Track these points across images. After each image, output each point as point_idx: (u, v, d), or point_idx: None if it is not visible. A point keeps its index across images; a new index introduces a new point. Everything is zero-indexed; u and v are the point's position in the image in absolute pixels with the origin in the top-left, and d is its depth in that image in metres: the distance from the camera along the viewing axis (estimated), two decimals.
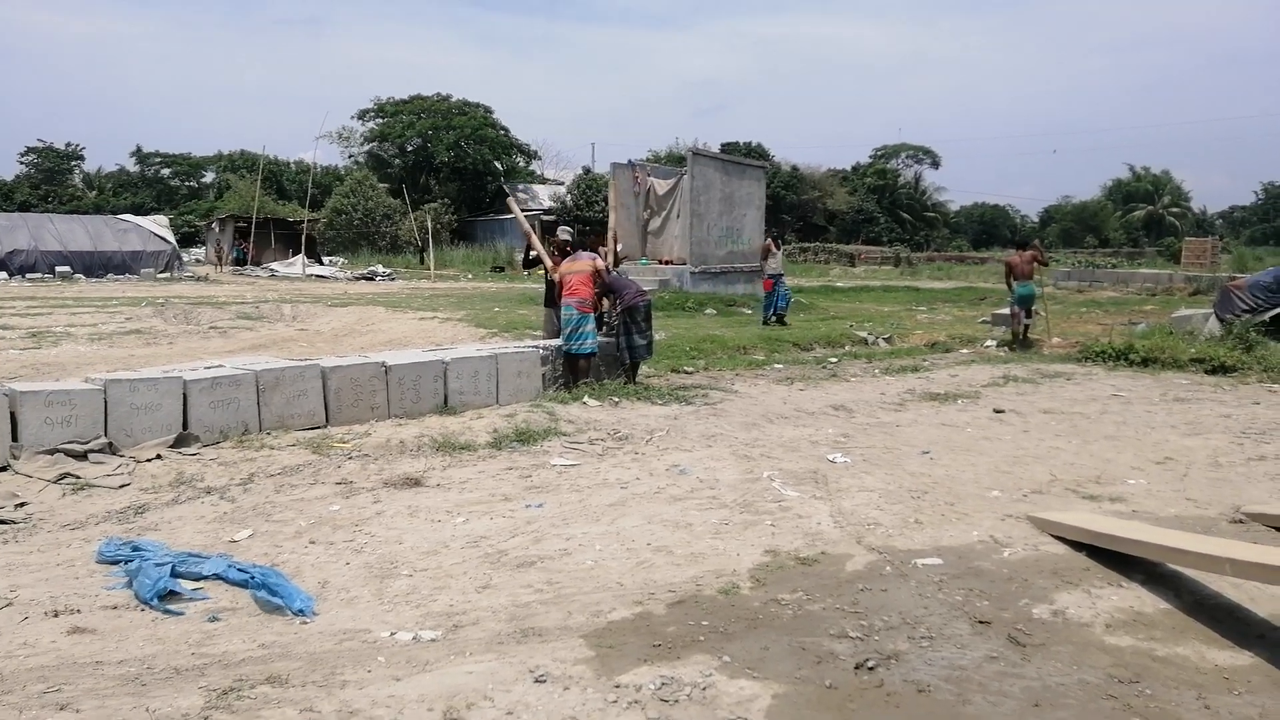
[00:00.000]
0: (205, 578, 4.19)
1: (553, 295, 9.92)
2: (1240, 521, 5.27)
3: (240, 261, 38.67)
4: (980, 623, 3.86)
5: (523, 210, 57.11)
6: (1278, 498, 5.81)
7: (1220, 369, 10.80)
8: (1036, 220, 79.88)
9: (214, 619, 3.82)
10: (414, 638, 3.65)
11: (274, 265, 36.99)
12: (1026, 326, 14.65)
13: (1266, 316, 12.16)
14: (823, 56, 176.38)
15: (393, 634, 3.68)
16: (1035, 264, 14.49)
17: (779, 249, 17.41)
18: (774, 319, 16.39)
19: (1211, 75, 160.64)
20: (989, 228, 78.83)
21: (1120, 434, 7.69)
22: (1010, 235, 74.87)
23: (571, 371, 9.18)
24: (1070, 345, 13.38)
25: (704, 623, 3.80)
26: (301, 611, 3.85)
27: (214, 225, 46.02)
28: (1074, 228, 68.44)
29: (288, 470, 6.09)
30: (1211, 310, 13.69)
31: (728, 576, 4.31)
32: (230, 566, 4.24)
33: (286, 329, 15.85)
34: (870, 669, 3.42)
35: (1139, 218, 69.82)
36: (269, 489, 5.73)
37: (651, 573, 4.37)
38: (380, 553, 4.64)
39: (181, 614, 3.85)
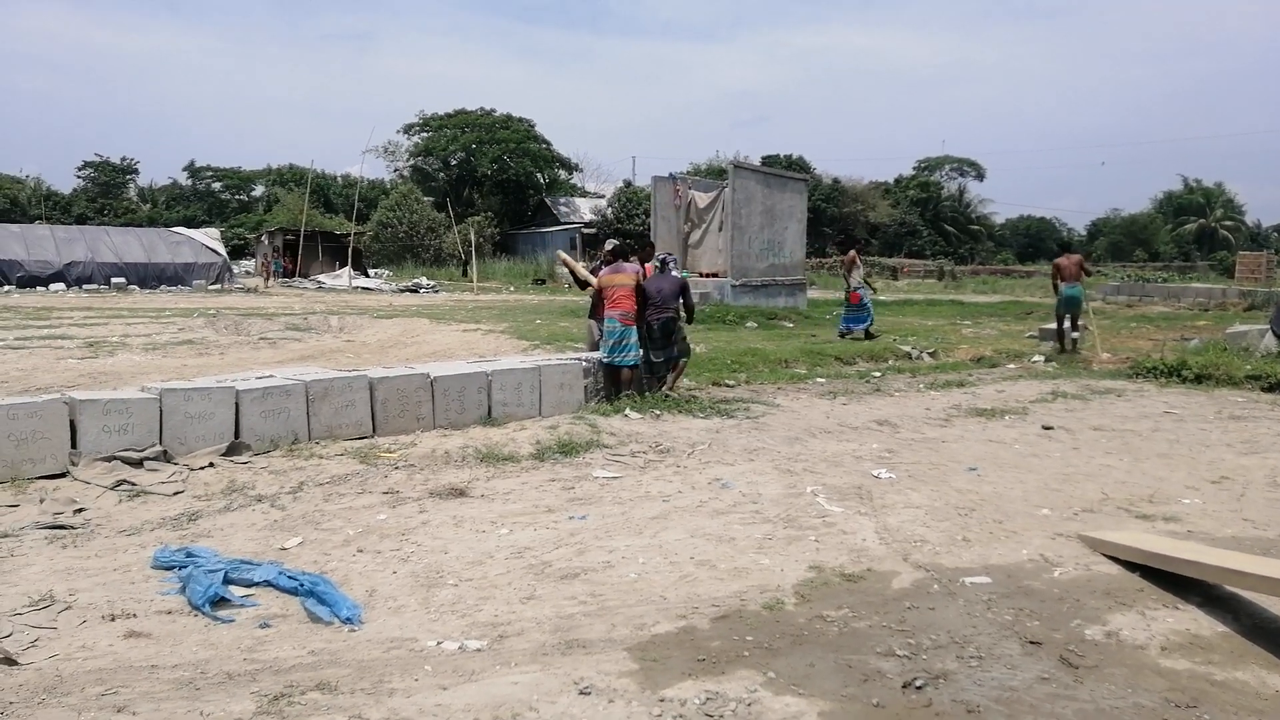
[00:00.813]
0: (256, 584, 4.27)
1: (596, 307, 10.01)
2: None
3: (285, 275, 39.21)
4: (1031, 643, 3.79)
5: (563, 223, 57.31)
6: None
7: (1277, 386, 10.51)
8: (1084, 233, 78.58)
9: (265, 625, 3.88)
10: (460, 647, 3.68)
11: (321, 277, 37.65)
12: (1075, 340, 14.64)
13: None
14: (863, 68, 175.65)
15: (439, 643, 3.72)
16: (1082, 270, 14.68)
17: (861, 262, 17.08)
18: (855, 331, 16.30)
19: (1262, 84, 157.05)
20: (1035, 240, 77.64)
21: (1174, 452, 7.52)
22: (1057, 249, 74.07)
23: (613, 383, 9.20)
24: (1120, 361, 13.11)
25: (748, 638, 3.78)
26: (349, 620, 3.91)
27: (263, 238, 46.96)
28: (1123, 241, 67.17)
29: (336, 479, 6.19)
30: (1268, 326, 13.33)
31: (772, 592, 4.29)
32: (280, 574, 4.32)
33: (334, 340, 16.10)
34: (918, 688, 3.37)
35: (1190, 231, 68.33)
36: (318, 497, 5.82)
37: (695, 586, 4.36)
38: (426, 562, 4.69)
39: (232, 620, 3.92)
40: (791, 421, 8.60)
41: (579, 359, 9.09)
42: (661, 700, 3.23)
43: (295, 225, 41.35)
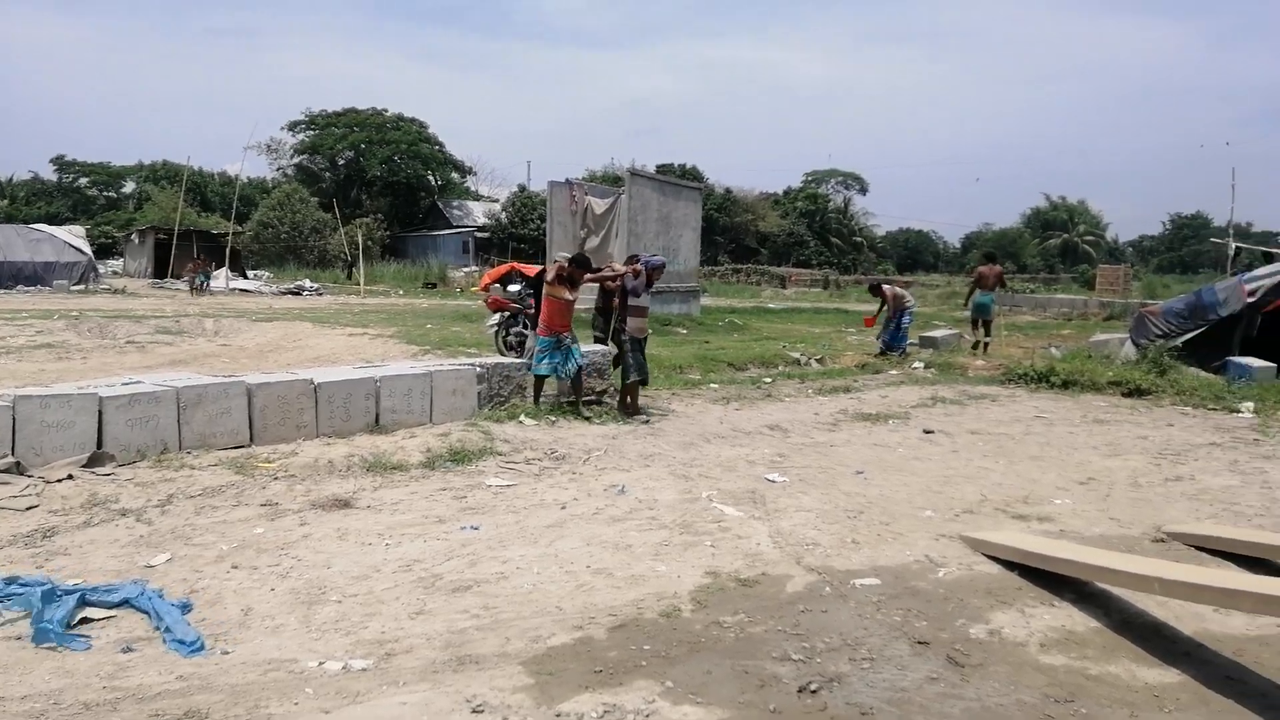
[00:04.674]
0: (116, 605, 3.96)
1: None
2: (1162, 540, 5.43)
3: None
4: (919, 643, 3.88)
5: (456, 226, 56.02)
6: (1195, 518, 6.01)
7: (1136, 391, 11.19)
8: (959, 246, 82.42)
9: (128, 649, 3.60)
10: (344, 667, 3.50)
11: (189, 278, 35.67)
12: (985, 344, 15.96)
13: (1179, 341, 12.65)
14: (756, 82, 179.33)
15: (321, 663, 3.53)
16: (999, 281, 16.33)
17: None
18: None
19: (1125, 109, 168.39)
20: (914, 253, 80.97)
21: (1045, 454, 7.89)
22: (933, 261, 77.78)
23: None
24: (994, 367, 13.72)
25: (646, 647, 3.73)
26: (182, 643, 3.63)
27: (134, 237, 44.44)
28: (994, 253, 70.71)
29: (209, 491, 5.84)
30: (1127, 335, 14.21)
31: (669, 599, 4.26)
32: (135, 597, 3.98)
33: (208, 344, 15.31)
34: (813, 692, 3.39)
35: (1055, 245, 72.51)
36: (189, 511, 5.47)
37: (591, 596, 4.29)
38: (307, 578, 4.46)
39: (89, 646, 3.61)
40: (686, 427, 8.63)
41: (473, 364, 8.89)
42: (558, 715, 3.14)
43: (169, 224, 39.26)
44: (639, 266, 9.36)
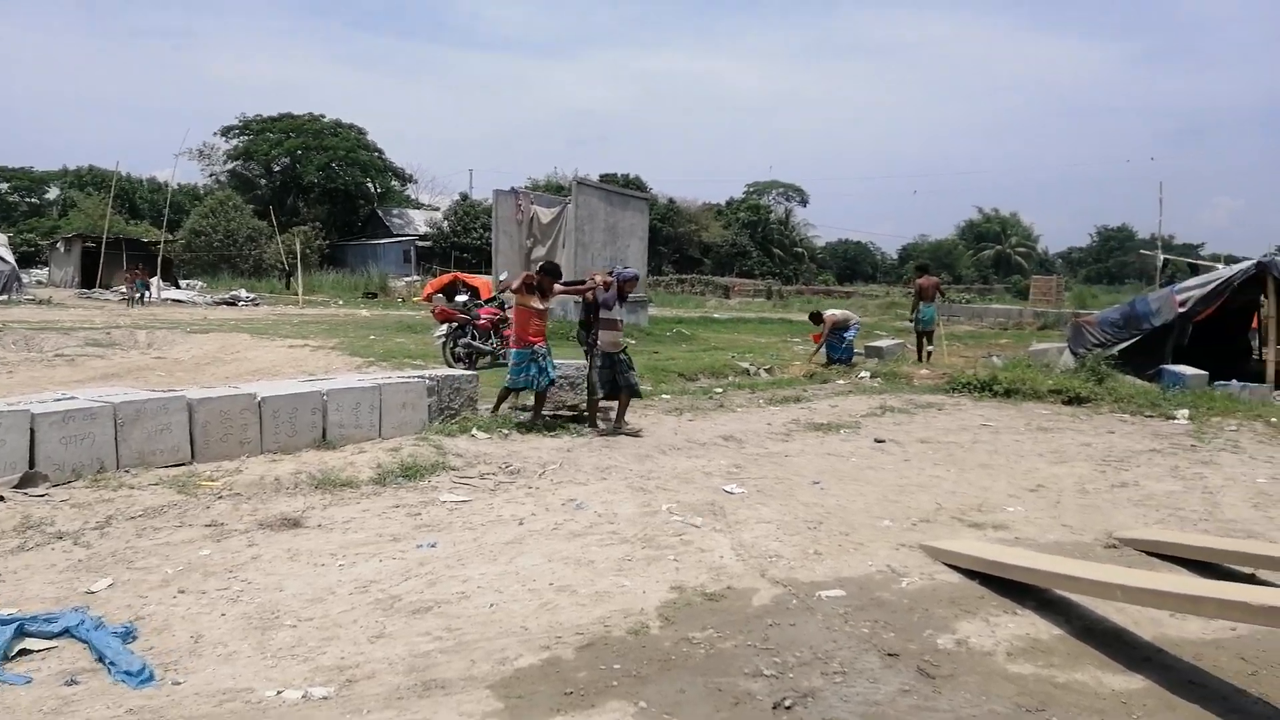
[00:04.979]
0: (57, 636, 3.76)
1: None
2: (1114, 546, 5.54)
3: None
4: (889, 655, 3.87)
5: (396, 235, 55.25)
6: (1143, 523, 6.16)
7: (1076, 400, 11.47)
8: (896, 257, 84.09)
9: (72, 682, 3.41)
10: (303, 696, 3.36)
11: (124, 288, 34.51)
12: (929, 353, 16.17)
13: (1115, 350, 13.02)
14: (698, 93, 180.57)
15: (279, 692, 3.38)
16: (938, 291, 16.72)
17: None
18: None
19: (1054, 125, 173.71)
20: (853, 264, 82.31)
21: (993, 462, 8.02)
22: (871, 271, 79.35)
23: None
24: (938, 376, 13.94)
25: (616, 666, 3.66)
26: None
27: (59, 245, 42.86)
28: (929, 264, 72.29)
29: (150, 512, 5.59)
30: (1065, 344, 14.58)
31: (636, 616, 4.19)
32: (76, 626, 3.78)
33: (141, 357, 14.79)
34: (788, 708, 3.36)
35: (989, 256, 74.43)
36: (129, 533, 5.23)
37: (557, 614, 4.20)
38: (259, 601, 4.29)
39: (30, 680, 3.41)
40: (641, 439, 8.57)
41: (422, 377, 8.71)
42: None
43: (96, 232, 37.93)
44: (609, 278, 9.30)
